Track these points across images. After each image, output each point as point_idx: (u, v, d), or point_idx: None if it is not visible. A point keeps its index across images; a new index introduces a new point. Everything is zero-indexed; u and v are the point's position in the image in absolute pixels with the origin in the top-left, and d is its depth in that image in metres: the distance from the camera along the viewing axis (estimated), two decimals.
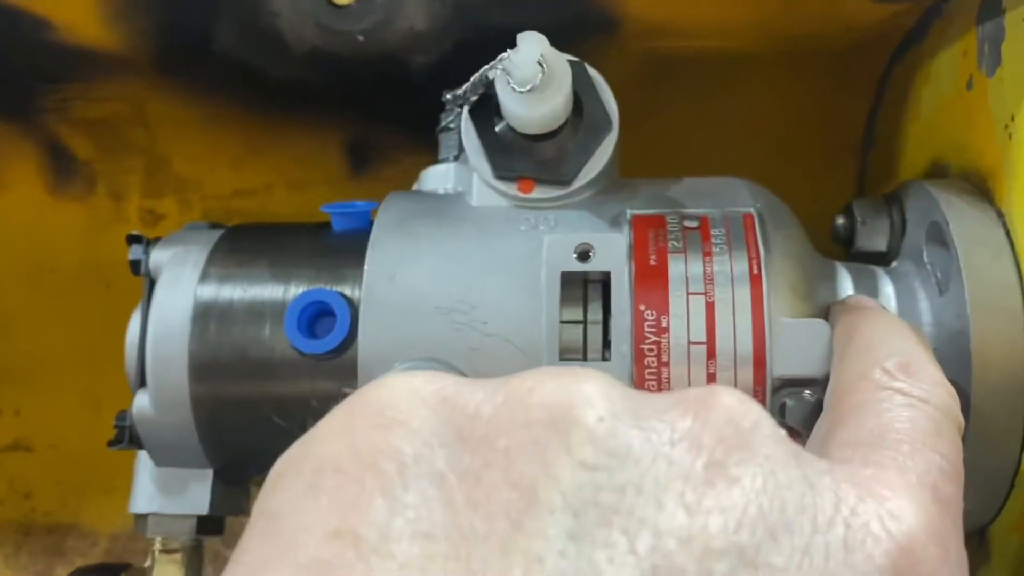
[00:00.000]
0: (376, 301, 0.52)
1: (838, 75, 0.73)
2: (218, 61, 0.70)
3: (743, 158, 0.74)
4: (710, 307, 0.49)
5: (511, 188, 0.54)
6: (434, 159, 0.66)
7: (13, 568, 0.83)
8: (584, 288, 0.52)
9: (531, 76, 0.48)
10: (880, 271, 0.56)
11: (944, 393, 0.37)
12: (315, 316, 0.54)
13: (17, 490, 0.85)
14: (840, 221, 0.59)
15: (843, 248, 0.60)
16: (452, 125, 0.64)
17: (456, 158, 0.62)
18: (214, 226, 0.62)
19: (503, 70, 0.49)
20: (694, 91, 0.72)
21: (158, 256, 0.58)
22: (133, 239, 0.59)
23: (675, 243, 0.51)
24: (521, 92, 0.48)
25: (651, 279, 0.50)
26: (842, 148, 0.77)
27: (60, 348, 0.83)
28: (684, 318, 0.49)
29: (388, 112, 0.75)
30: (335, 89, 0.73)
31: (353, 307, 0.53)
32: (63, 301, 0.82)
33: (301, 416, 0.54)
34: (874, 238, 0.59)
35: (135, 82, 0.73)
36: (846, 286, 0.54)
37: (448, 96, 0.54)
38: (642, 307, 0.49)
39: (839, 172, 0.78)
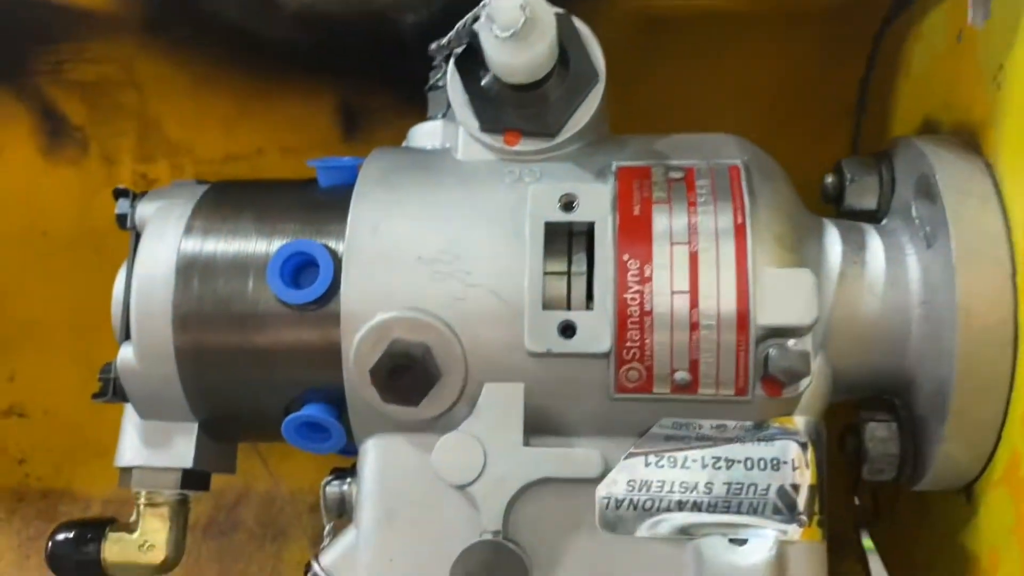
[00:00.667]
0: (359, 251, 0.51)
1: (832, 37, 0.72)
2: (208, 20, 0.69)
3: (736, 121, 0.73)
4: (694, 257, 0.49)
5: (497, 141, 0.54)
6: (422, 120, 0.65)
7: (6, 533, 0.83)
8: (569, 240, 0.51)
9: (513, 20, 0.48)
10: (868, 227, 0.56)
11: None
12: (298, 267, 0.53)
13: (11, 456, 0.85)
14: (829, 179, 0.59)
15: (833, 207, 0.60)
16: (440, 83, 0.63)
17: (444, 115, 0.62)
18: (202, 183, 0.62)
19: (486, 16, 0.49)
20: (687, 52, 0.72)
21: (144, 210, 0.58)
22: (120, 193, 0.59)
23: (660, 193, 0.51)
24: (503, 37, 0.48)
25: (635, 229, 0.49)
26: (835, 112, 0.77)
27: (53, 313, 0.83)
28: (667, 268, 0.49)
29: (379, 74, 0.75)
30: (326, 50, 0.73)
31: (336, 259, 0.52)
32: (56, 265, 0.82)
33: (285, 368, 0.54)
34: (863, 196, 0.58)
35: (126, 43, 0.73)
36: (833, 240, 0.54)
37: (434, 46, 0.53)
38: (625, 257, 0.49)
39: (832, 136, 0.78)
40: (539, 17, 0.49)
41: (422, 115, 0.66)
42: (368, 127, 0.78)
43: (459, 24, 0.51)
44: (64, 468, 0.84)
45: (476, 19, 0.51)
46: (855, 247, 0.54)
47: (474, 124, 0.54)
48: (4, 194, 0.82)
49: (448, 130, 0.59)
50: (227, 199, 0.58)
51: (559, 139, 0.53)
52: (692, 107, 0.74)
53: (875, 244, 0.54)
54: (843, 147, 0.78)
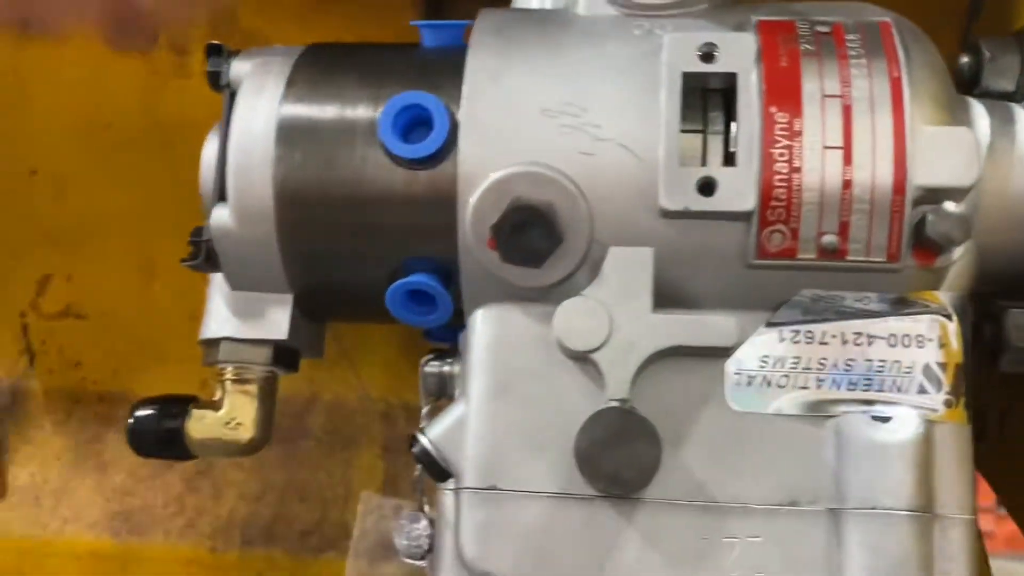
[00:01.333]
0: (477, 102, 0.48)
1: None
2: None
3: None
4: (847, 110, 0.45)
5: None
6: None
7: (63, 435, 0.80)
8: (703, 98, 0.48)
9: None
10: (1013, 105, 0.52)
11: None
12: (410, 124, 0.50)
13: (67, 358, 0.82)
14: (965, 60, 0.55)
15: (966, 91, 0.56)
16: None
17: None
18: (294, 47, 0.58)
19: None
20: None
21: (239, 67, 0.54)
22: (213, 49, 0.55)
23: (807, 46, 0.47)
24: None
25: (782, 80, 0.46)
26: (944, 12, 0.72)
27: (115, 211, 0.80)
28: (819, 121, 0.45)
29: None
30: None
31: (452, 115, 0.49)
32: (119, 161, 0.79)
33: (392, 232, 0.50)
34: (1002, 77, 0.54)
35: None
36: (980, 113, 0.50)
37: None
38: (772, 109, 0.45)
39: (939, 40, 0.73)
40: None
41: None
42: (452, 14, 0.74)
43: None
44: (121, 372, 0.81)
45: None
46: (1003, 120, 0.50)
47: None
48: (68, 84, 0.78)
49: None
50: (328, 58, 0.55)
51: None
52: None
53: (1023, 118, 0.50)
54: (950, 53, 0.74)
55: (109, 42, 0.77)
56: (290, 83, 0.52)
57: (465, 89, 0.48)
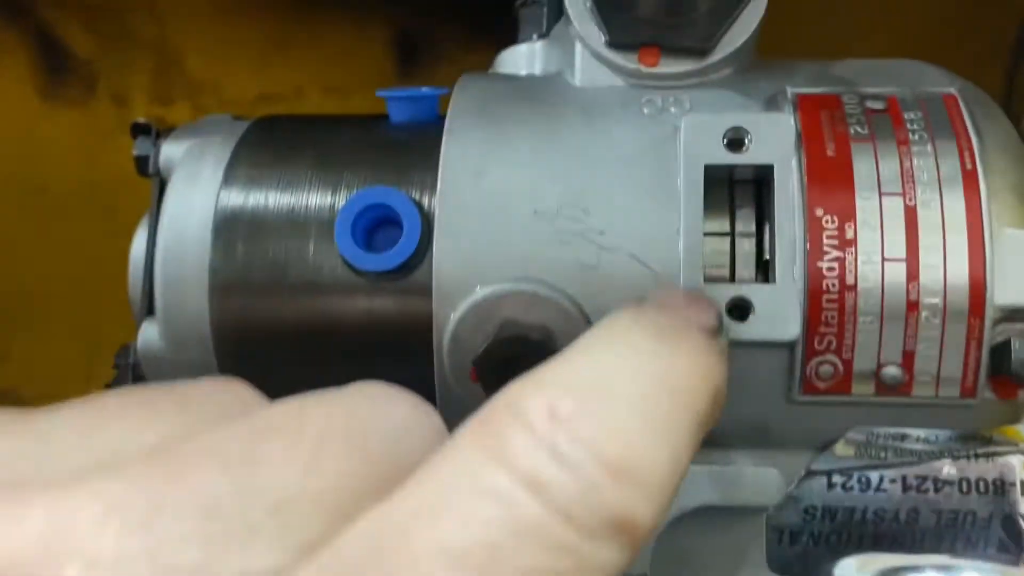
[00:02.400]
0: (456, 202, 0.39)
1: None
2: None
3: (879, 46, 0.61)
4: (911, 212, 0.36)
5: (630, 60, 0.41)
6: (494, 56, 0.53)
7: None
8: (730, 191, 0.39)
9: None
10: None
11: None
12: (374, 225, 0.41)
13: None
14: None
15: None
16: None
17: (541, 36, 0.50)
18: (241, 119, 0.49)
19: None
20: None
21: (171, 150, 0.45)
22: (140, 129, 0.46)
23: (858, 128, 0.38)
24: None
25: (830, 174, 0.37)
26: (987, 54, 0.64)
27: (54, 284, 0.71)
28: (877, 227, 0.36)
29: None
30: None
31: (424, 213, 0.40)
32: (57, 226, 0.70)
33: (355, 354, 0.42)
34: None
35: None
36: None
37: None
38: (819, 211, 0.37)
39: (982, 80, 0.65)
40: None
41: (493, 49, 0.54)
42: (429, 62, 0.65)
43: None
44: None
45: None
46: None
47: (599, 37, 0.42)
48: None
49: (552, 53, 0.47)
50: (277, 137, 0.46)
51: (712, 59, 0.41)
52: (816, 40, 0.61)
53: None
54: (994, 93, 0.65)
55: (41, 92, 0.68)
56: (231, 171, 0.44)
57: (441, 184, 0.39)
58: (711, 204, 0.39)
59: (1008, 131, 0.40)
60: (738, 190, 0.39)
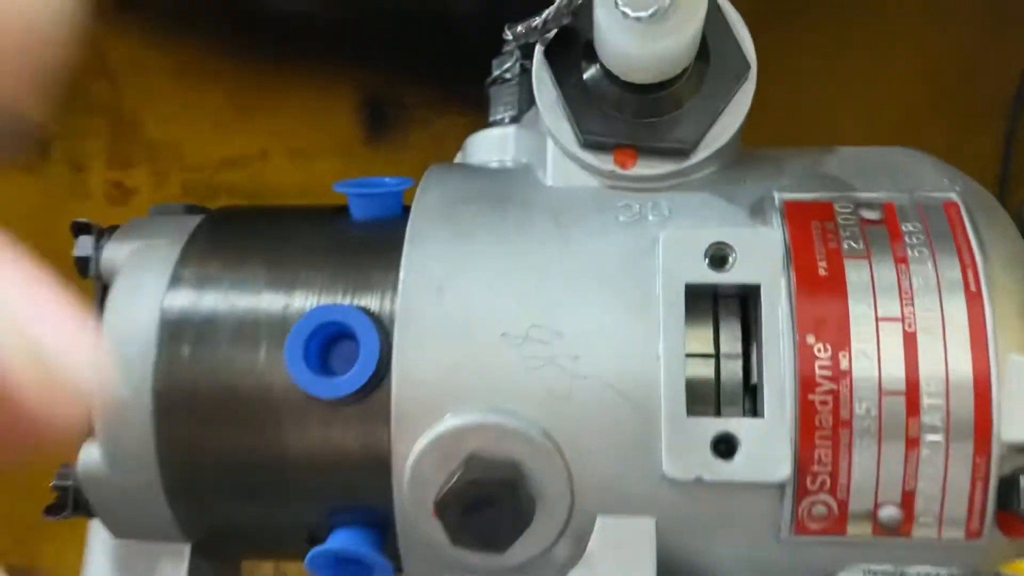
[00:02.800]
0: (417, 324, 0.36)
1: (997, 15, 0.57)
2: None
3: (867, 113, 0.58)
4: (910, 339, 0.33)
5: (605, 161, 0.38)
6: (475, 121, 0.50)
7: None
8: (714, 306, 0.36)
9: None
10: None
11: None
12: (329, 342, 0.38)
13: None
14: None
15: None
16: (509, 75, 0.48)
17: (515, 119, 0.47)
18: (192, 210, 0.46)
19: None
20: (815, 35, 0.56)
21: (114, 252, 0.42)
22: (80, 228, 0.43)
23: (852, 243, 0.35)
24: (639, 18, 0.32)
25: (822, 296, 0.34)
26: (988, 105, 0.61)
27: None
28: (873, 356, 0.33)
29: (417, 59, 0.59)
30: (346, 28, 0.57)
31: (383, 330, 0.37)
32: None
33: (309, 482, 0.38)
34: None
35: (93, 21, 0.57)
36: None
37: (517, 29, 0.37)
38: (810, 339, 0.34)
39: (980, 137, 0.62)
40: None
41: (472, 112, 0.51)
42: (399, 127, 0.62)
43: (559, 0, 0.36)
44: (27, 541, 0.69)
45: None
46: None
47: (571, 136, 0.39)
48: None
49: (524, 141, 0.44)
50: (227, 237, 0.42)
51: (694, 159, 0.38)
52: (814, 101, 0.59)
53: None
54: (993, 147, 0.62)
55: None
56: (176, 280, 0.40)
57: (400, 300, 0.36)
58: (693, 321, 0.36)
59: (1015, 240, 0.37)
60: (722, 306, 0.36)
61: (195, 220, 0.44)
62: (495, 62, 0.48)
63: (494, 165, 0.44)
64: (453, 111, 0.58)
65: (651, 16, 0.32)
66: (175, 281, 0.40)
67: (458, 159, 0.48)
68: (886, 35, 0.58)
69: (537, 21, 0.36)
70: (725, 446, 0.34)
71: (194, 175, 0.64)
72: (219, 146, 0.63)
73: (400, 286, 0.36)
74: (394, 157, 0.60)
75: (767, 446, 0.33)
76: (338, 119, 0.62)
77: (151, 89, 0.61)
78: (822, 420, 0.33)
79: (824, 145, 0.42)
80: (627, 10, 0.32)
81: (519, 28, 0.37)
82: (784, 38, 0.56)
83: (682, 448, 0.34)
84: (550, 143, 0.40)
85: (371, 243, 0.40)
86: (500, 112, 0.47)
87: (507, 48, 0.45)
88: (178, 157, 0.64)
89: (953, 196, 0.37)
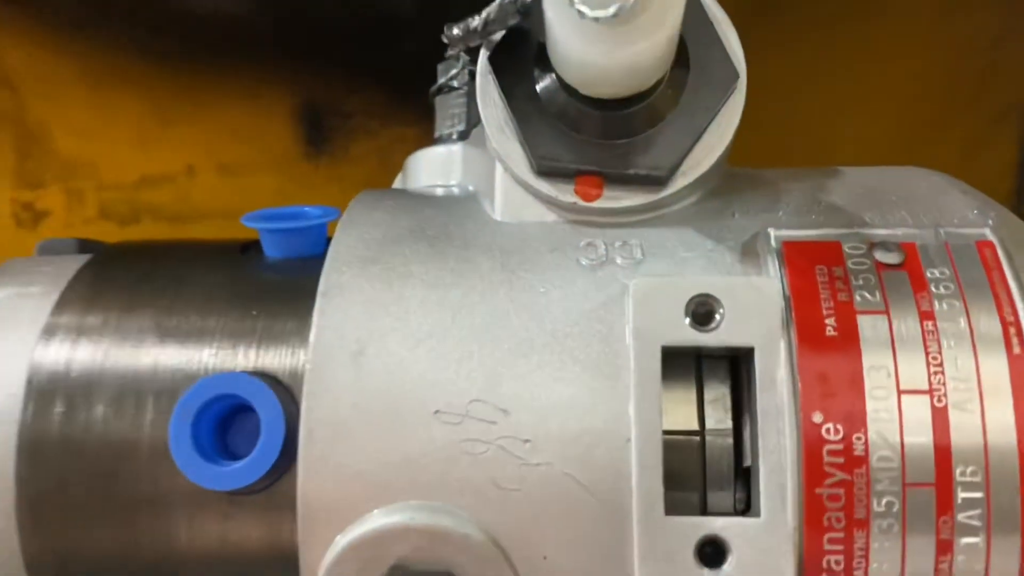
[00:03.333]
0: (330, 398, 0.29)
1: (1010, 12, 0.50)
2: None
3: (871, 119, 0.52)
4: (941, 417, 0.27)
5: (564, 191, 0.31)
6: (425, 133, 0.44)
7: None
8: (697, 370, 0.30)
9: None
10: None
11: None
12: (227, 414, 0.31)
13: None
14: None
15: None
16: (456, 83, 0.41)
17: (463, 135, 0.40)
18: (85, 247, 0.39)
19: None
20: (812, 31, 0.50)
21: None
22: None
23: (866, 294, 0.28)
24: (599, 19, 0.25)
25: (831, 362, 0.27)
26: (1000, 110, 0.55)
27: None
28: (896, 438, 0.27)
29: (358, 64, 0.52)
30: (280, 30, 0.51)
31: (291, 404, 0.30)
32: None
33: None
34: None
35: None
36: None
37: (453, 32, 0.31)
38: (816, 416, 0.27)
39: (995, 142, 0.56)
40: None
41: (420, 123, 0.44)
42: (339, 138, 0.55)
43: None
44: None
45: None
46: None
47: (523, 163, 0.32)
48: None
49: (472, 162, 0.37)
50: (114, 281, 0.35)
51: (671, 188, 0.31)
52: (811, 105, 0.52)
53: None
54: (1007, 155, 0.56)
55: None
56: (51, 328, 0.33)
57: (310, 369, 0.29)
58: (672, 388, 0.29)
59: None
60: (708, 369, 0.30)
61: (81, 261, 0.37)
62: (440, 67, 0.42)
63: (439, 191, 0.38)
64: (401, 120, 0.51)
65: (614, 16, 0.25)
66: (47, 335, 0.33)
67: (398, 182, 0.42)
68: (891, 35, 0.52)
69: (476, 22, 0.30)
70: (712, 551, 0.27)
71: (112, 195, 0.56)
72: (140, 162, 0.56)
73: (310, 350, 0.29)
74: (336, 172, 0.54)
75: (764, 552, 0.27)
76: (272, 130, 0.55)
77: (59, 98, 0.54)
78: (832, 519, 0.27)
79: (826, 166, 0.35)
80: (584, 8, 0.25)
81: (455, 30, 0.30)
82: (774, 38, 0.50)
83: (659, 554, 0.27)
84: (499, 169, 0.33)
85: (283, 289, 0.34)
86: (446, 126, 0.41)
87: (451, 50, 0.38)
88: (94, 175, 0.56)
89: (987, 233, 0.30)
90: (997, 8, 0.52)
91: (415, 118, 0.49)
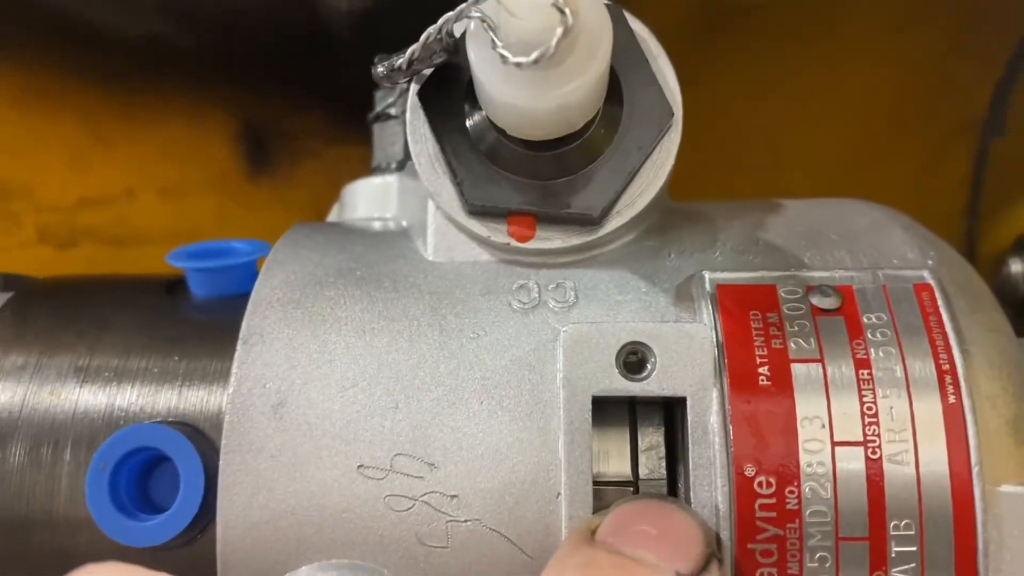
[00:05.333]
0: (248, 452, 0.28)
1: (964, 28, 0.50)
2: (36, 7, 0.45)
3: (826, 137, 0.51)
4: (875, 470, 0.26)
5: (496, 232, 0.30)
6: (369, 154, 0.43)
7: None
8: (630, 416, 0.29)
9: (542, 31, 0.24)
10: None
11: None
12: (145, 468, 0.30)
13: None
14: (1017, 267, 0.37)
15: (1012, 308, 0.38)
16: (394, 110, 0.40)
17: (401, 165, 0.39)
18: (8, 283, 0.38)
19: (481, 19, 0.25)
20: (764, 47, 0.49)
21: None
22: None
23: (800, 341, 0.28)
24: (521, 63, 0.24)
25: (765, 413, 0.27)
26: (955, 126, 0.55)
27: None
28: (830, 491, 0.26)
29: (301, 82, 0.51)
30: (221, 49, 0.49)
31: (212, 453, 0.29)
32: None
33: None
34: None
35: None
36: None
37: (379, 70, 0.29)
38: (749, 470, 0.26)
39: (949, 159, 0.56)
40: (589, 22, 0.25)
41: (364, 141, 0.43)
42: (283, 159, 0.54)
43: (430, 30, 0.28)
44: None
45: (457, 18, 0.28)
46: None
47: (454, 202, 0.31)
48: None
49: (407, 196, 0.36)
50: (35, 321, 0.34)
51: (606, 228, 0.30)
52: (760, 124, 0.51)
53: None
54: (961, 172, 0.56)
55: None
56: None
57: (228, 420, 0.28)
58: (604, 437, 0.28)
59: (1000, 330, 0.29)
60: (642, 416, 0.29)
61: (2, 299, 0.35)
62: (377, 94, 0.41)
63: (376, 225, 0.36)
64: (346, 140, 0.50)
65: (536, 62, 0.24)
66: None
67: (334, 212, 0.41)
68: (843, 48, 0.51)
69: (401, 60, 0.28)
70: None
71: (50, 217, 0.55)
72: (77, 184, 0.54)
73: (228, 402, 0.28)
74: (280, 193, 0.52)
75: None
76: (212, 152, 0.53)
77: None
78: (764, 573, 0.26)
79: (766, 200, 0.34)
80: (506, 53, 0.24)
81: (380, 68, 0.29)
82: (723, 56, 0.49)
83: None
84: (431, 206, 0.32)
85: (207, 332, 0.32)
86: (383, 156, 0.40)
87: (383, 81, 0.37)
88: (30, 196, 0.55)
89: (925, 275, 0.29)
90: (948, 24, 0.51)
91: (360, 138, 0.48)
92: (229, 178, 0.54)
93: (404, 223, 0.35)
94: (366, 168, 0.42)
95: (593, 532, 0.26)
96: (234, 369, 0.29)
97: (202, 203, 0.54)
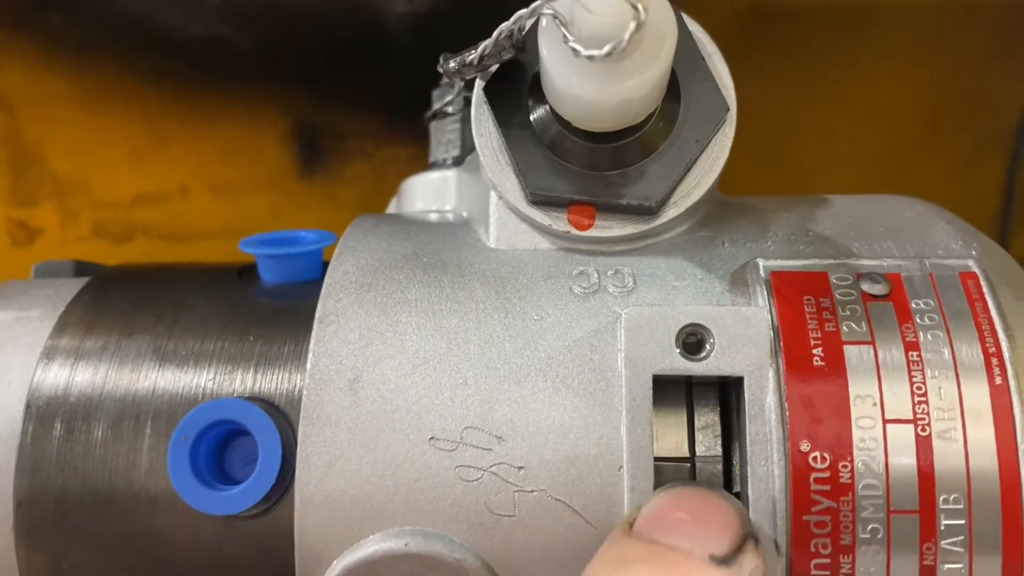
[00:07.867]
0: (326, 425, 0.30)
1: (1002, 36, 0.51)
2: (100, 11, 0.47)
3: (861, 141, 0.53)
4: (924, 444, 0.27)
5: (557, 220, 0.32)
6: (419, 151, 0.44)
7: None
8: (687, 396, 0.30)
9: (615, 26, 0.26)
10: None
11: None
12: (225, 440, 0.31)
13: None
14: None
15: None
16: (451, 108, 0.41)
17: (458, 161, 0.41)
18: (82, 269, 0.40)
19: (554, 15, 0.27)
20: (802, 56, 0.51)
21: None
22: None
23: (852, 324, 0.29)
24: (593, 56, 0.26)
25: (819, 392, 0.28)
26: (991, 132, 0.56)
27: None
28: (881, 466, 0.27)
29: (353, 84, 0.53)
30: (276, 52, 0.51)
31: (287, 430, 0.31)
32: None
33: None
34: None
35: None
36: None
37: (449, 64, 0.31)
38: (804, 445, 0.28)
39: (983, 166, 0.57)
40: (658, 21, 0.27)
41: (415, 143, 0.45)
42: (334, 159, 0.55)
43: (501, 28, 0.29)
44: None
45: (531, 15, 0.29)
46: None
47: (517, 191, 0.32)
48: None
49: (466, 188, 0.38)
50: (112, 305, 0.36)
51: (662, 218, 0.32)
52: (799, 131, 0.53)
53: None
54: (994, 179, 0.57)
55: None
56: (49, 352, 0.34)
57: (307, 395, 0.30)
58: (663, 416, 0.30)
59: None
60: (698, 396, 0.30)
61: (79, 284, 0.37)
62: (435, 93, 0.42)
63: (433, 217, 0.38)
64: (395, 140, 0.52)
65: (608, 55, 0.26)
66: (47, 358, 0.34)
67: (392, 206, 0.42)
68: (879, 60, 0.52)
69: (472, 56, 0.30)
70: None
71: (106, 213, 0.57)
72: (134, 181, 0.56)
73: (306, 377, 0.30)
74: (331, 191, 0.54)
75: None
76: (267, 150, 0.55)
77: (54, 118, 0.54)
78: (819, 545, 0.27)
79: (815, 194, 0.36)
80: (578, 47, 0.26)
81: (451, 64, 0.31)
82: (764, 64, 0.51)
83: None
84: (493, 197, 0.33)
85: (280, 315, 0.34)
86: (441, 152, 0.41)
87: (446, 79, 0.39)
88: (88, 193, 0.57)
89: (970, 264, 0.31)
90: (984, 34, 0.53)
91: (409, 139, 0.50)
92: (281, 176, 0.55)
93: (464, 214, 0.37)
94: (414, 167, 0.44)
95: (631, 525, 0.26)
96: (311, 346, 0.30)
97: (255, 200, 0.55)
